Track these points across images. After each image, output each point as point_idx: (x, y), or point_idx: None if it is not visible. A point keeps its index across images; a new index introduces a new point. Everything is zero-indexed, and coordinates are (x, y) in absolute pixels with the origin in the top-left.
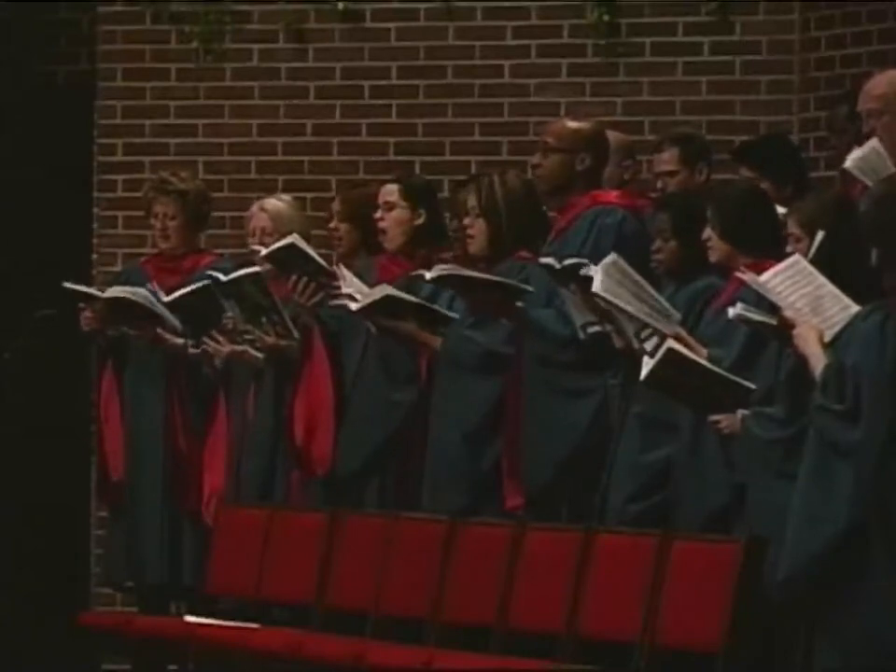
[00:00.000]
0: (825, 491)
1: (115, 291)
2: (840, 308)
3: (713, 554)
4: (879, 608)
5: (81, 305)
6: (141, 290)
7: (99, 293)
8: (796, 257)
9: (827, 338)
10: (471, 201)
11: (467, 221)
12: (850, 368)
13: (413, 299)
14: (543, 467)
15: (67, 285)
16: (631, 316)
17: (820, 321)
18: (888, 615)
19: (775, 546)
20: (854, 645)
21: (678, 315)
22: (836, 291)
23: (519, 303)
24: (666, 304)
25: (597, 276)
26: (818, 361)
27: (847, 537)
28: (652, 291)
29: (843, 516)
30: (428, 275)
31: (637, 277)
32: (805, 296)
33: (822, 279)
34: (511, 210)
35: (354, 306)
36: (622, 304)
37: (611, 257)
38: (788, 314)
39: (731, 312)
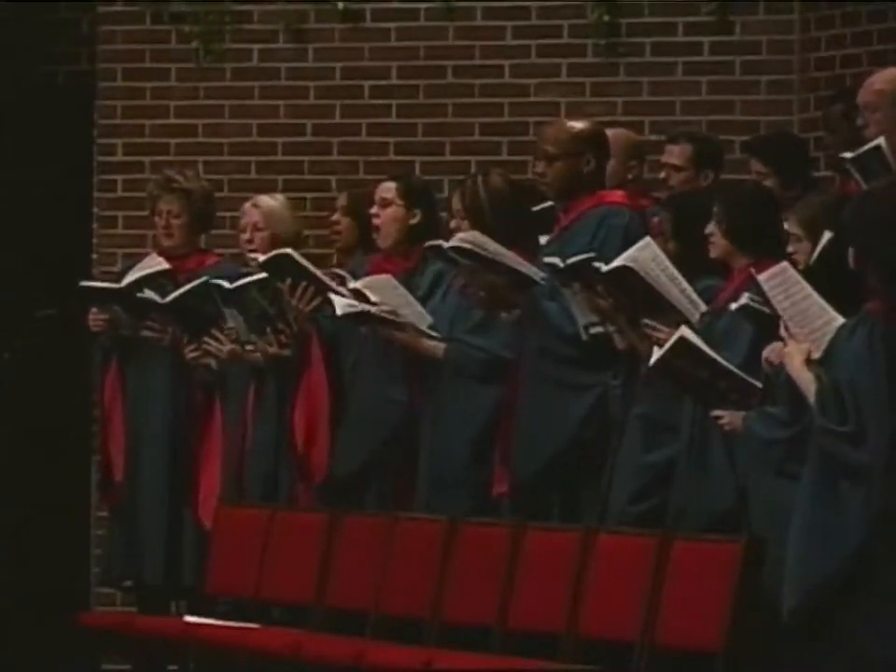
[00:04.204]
0: (833, 513)
1: (134, 274)
2: (823, 322)
3: (713, 554)
4: (886, 622)
5: (94, 310)
6: (158, 262)
7: (116, 285)
8: (784, 264)
9: (815, 352)
10: (456, 204)
11: (453, 224)
12: (846, 386)
13: (373, 310)
14: (534, 456)
15: (84, 284)
16: (660, 297)
17: (808, 332)
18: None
19: (774, 546)
20: (862, 659)
21: (703, 306)
22: (822, 302)
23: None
24: (694, 294)
25: (628, 254)
26: (806, 383)
27: (859, 556)
28: (681, 279)
29: (854, 537)
30: (446, 244)
31: (668, 264)
32: (793, 304)
33: (809, 289)
34: (496, 211)
35: (339, 311)
36: (653, 283)
37: (646, 240)
38: (781, 328)
39: (733, 306)
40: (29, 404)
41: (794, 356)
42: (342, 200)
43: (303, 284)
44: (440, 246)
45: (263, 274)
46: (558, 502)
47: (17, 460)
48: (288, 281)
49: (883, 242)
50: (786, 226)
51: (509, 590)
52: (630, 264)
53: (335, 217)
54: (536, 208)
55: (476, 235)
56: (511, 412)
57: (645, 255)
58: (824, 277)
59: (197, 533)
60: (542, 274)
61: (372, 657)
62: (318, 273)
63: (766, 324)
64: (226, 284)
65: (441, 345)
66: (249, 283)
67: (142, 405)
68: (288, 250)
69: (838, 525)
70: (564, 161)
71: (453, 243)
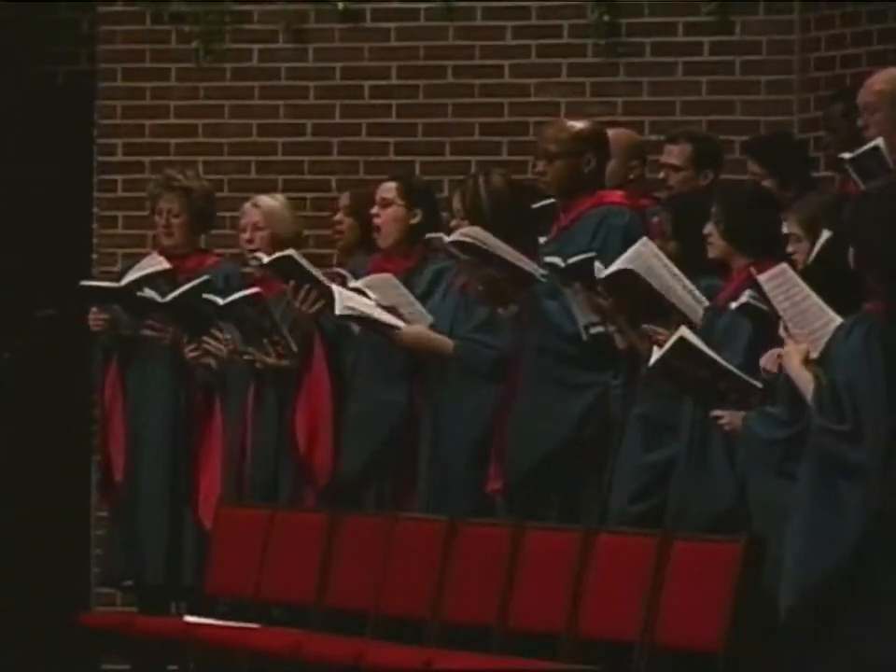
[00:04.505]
0: (831, 512)
1: (133, 274)
2: (822, 323)
3: (713, 554)
4: (886, 620)
5: (94, 310)
6: (158, 262)
7: (116, 284)
8: (784, 265)
9: (814, 353)
10: (456, 203)
11: (453, 224)
12: (844, 386)
13: (370, 314)
14: (529, 454)
15: (84, 283)
16: (657, 299)
17: (808, 333)
18: (893, 629)
19: (774, 546)
20: (861, 660)
21: (705, 302)
22: (821, 303)
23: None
24: (696, 291)
25: (627, 255)
26: (805, 383)
27: (857, 555)
28: (682, 276)
29: (852, 536)
30: (447, 239)
31: (667, 261)
32: (792, 305)
33: (808, 290)
34: (496, 211)
35: (337, 310)
36: (652, 281)
37: (643, 240)
38: (780, 328)
39: (733, 305)
40: (29, 404)
41: (793, 355)
42: (344, 199)
43: (307, 286)
44: (440, 239)
45: (254, 290)
46: (557, 502)
47: (17, 460)
48: (292, 283)
49: (881, 242)
50: (784, 226)
51: (509, 590)
52: (630, 266)
53: (338, 216)
54: (537, 205)
55: (477, 230)
56: (508, 409)
57: (645, 254)
58: (822, 277)
59: (197, 533)
60: (542, 271)
61: (372, 657)
62: (320, 275)
63: (767, 323)
64: (218, 300)
65: (450, 342)
66: (240, 298)
67: (142, 405)
68: (291, 252)
69: (836, 525)
70: (564, 161)
71: (454, 237)
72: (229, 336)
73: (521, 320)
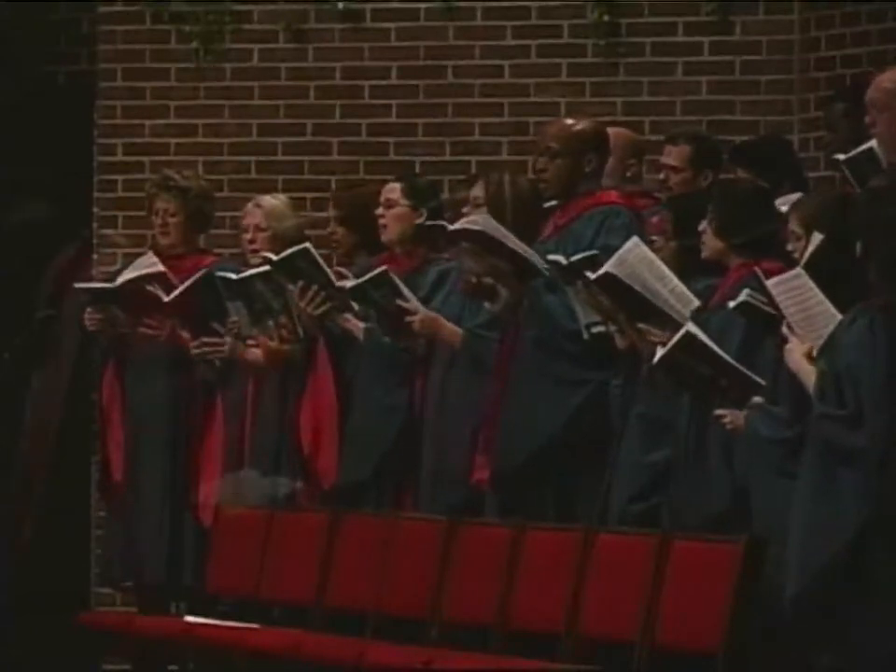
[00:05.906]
0: (832, 500)
1: (128, 274)
2: (830, 330)
3: (713, 554)
4: (886, 609)
5: (89, 309)
6: (152, 263)
7: (111, 284)
8: (798, 270)
9: (816, 353)
10: (477, 191)
11: (466, 210)
12: (844, 372)
13: (402, 287)
14: (519, 448)
15: (78, 285)
16: (646, 301)
17: (816, 337)
18: (893, 616)
19: (774, 545)
20: (860, 647)
21: (696, 302)
22: (833, 310)
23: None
24: (687, 292)
25: (614, 259)
26: (806, 374)
27: (857, 542)
28: (673, 277)
29: (852, 523)
30: (451, 227)
31: (658, 263)
32: (801, 310)
33: (822, 297)
34: (516, 209)
35: (348, 283)
36: (637, 287)
37: (633, 240)
38: (783, 327)
39: (731, 304)
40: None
41: (794, 350)
42: (331, 210)
43: (314, 288)
44: (443, 227)
45: (269, 266)
46: (551, 499)
47: (17, 460)
48: (300, 284)
49: (883, 240)
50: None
51: (509, 590)
52: (613, 271)
53: (329, 228)
54: (547, 205)
55: (488, 218)
56: (500, 402)
57: (632, 257)
58: (813, 279)
59: (197, 533)
60: (546, 265)
61: (372, 657)
62: (331, 274)
63: (765, 321)
64: (232, 275)
65: (459, 332)
66: (255, 274)
67: (141, 405)
68: (308, 245)
69: (836, 513)
70: (565, 159)
71: (464, 224)
72: (235, 318)
73: (516, 314)
